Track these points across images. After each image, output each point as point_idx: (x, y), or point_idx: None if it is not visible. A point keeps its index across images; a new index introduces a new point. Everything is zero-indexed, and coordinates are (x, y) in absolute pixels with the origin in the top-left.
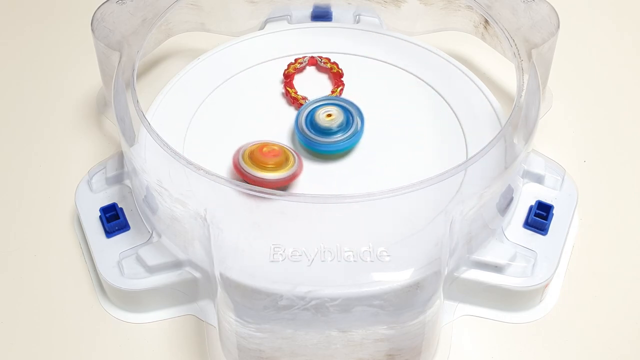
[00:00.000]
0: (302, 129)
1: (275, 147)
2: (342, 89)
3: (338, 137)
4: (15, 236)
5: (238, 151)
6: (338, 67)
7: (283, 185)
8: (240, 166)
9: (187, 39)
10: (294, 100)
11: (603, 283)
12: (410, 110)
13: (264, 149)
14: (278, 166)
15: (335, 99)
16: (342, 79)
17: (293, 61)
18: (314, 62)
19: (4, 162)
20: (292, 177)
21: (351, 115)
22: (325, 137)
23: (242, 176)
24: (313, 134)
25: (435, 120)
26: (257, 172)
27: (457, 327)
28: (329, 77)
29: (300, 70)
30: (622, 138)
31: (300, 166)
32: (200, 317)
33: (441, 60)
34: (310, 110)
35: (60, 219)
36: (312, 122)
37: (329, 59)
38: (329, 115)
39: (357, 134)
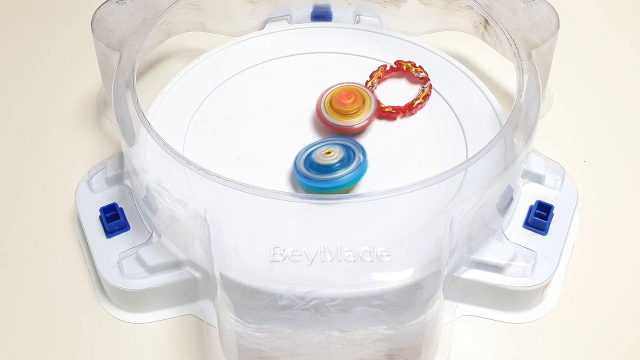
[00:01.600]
0: (302, 171)
1: (353, 90)
2: (428, 95)
3: (339, 173)
4: (15, 236)
5: (320, 99)
6: (423, 70)
7: (364, 127)
8: (322, 115)
9: (187, 39)
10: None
11: (603, 283)
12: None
13: (342, 96)
14: (358, 110)
15: (333, 139)
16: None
17: (376, 69)
18: (395, 69)
19: (4, 162)
20: (370, 119)
21: (352, 151)
22: (325, 174)
23: (325, 125)
24: (313, 173)
25: (435, 120)
26: (338, 121)
27: (457, 327)
28: (409, 82)
29: (382, 79)
30: (622, 138)
31: (378, 106)
32: (200, 317)
33: (441, 60)
34: (308, 153)
35: (60, 219)
36: (311, 163)
37: (413, 63)
38: (328, 152)
39: (361, 167)
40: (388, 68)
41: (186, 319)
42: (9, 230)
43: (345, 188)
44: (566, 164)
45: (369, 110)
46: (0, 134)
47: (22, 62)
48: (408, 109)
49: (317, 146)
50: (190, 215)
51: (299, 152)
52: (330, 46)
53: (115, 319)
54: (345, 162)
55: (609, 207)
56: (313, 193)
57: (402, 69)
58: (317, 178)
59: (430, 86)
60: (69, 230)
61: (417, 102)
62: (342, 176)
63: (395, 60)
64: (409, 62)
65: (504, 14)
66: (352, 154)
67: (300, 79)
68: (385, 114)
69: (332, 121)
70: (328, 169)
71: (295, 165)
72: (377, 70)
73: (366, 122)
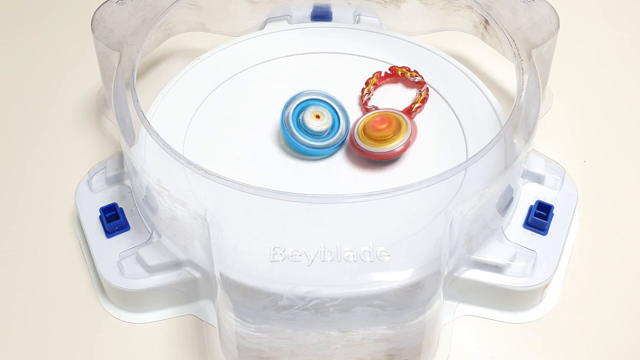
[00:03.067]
0: (292, 132)
1: (387, 116)
2: (425, 99)
3: (327, 141)
4: (15, 236)
5: (353, 127)
6: (418, 74)
7: (402, 153)
8: (357, 143)
9: (187, 39)
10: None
11: (603, 283)
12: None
13: (376, 122)
14: (394, 134)
15: (320, 95)
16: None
17: (371, 75)
18: (390, 75)
19: (4, 162)
20: (408, 144)
21: (336, 114)
22: (314, 140)
23: (359, 152)
24: (303, 136)
25: (435, 120)
26: (373, 148)
27: (457, 327)
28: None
29: (378, 85)
30: (622, 138)
31: (415, 131)
32: (200, 317)
33: (441, 60)
34: (299, 110)
35: (60, 219)
36: (300, 125)
37: (408, 68)
38: (318, 116)
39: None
40: (383, 74)
41: (186, 319)
42: (9, 230)
43: (329, 154)
44: (566, 164)
45: (405, 134)
46: (0, 134)
47: (22, 62)
48: (407, 114)
49: (304, 102)
50: (190, 215)
51: (285, 106)
52: (330, 46)
53: (115, 319)
54: (332, 130)
55: (609, 207)
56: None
57: (397, 75)
58: (307, 143)
59: (427, 90)
60: (69, 230)
61: (416, 106)
62: (328, 146)
63: (392, 62)
64: (403, 67)
65: (504, 14)
66: (337, 119)
67: (300, 79)
68: None
69: (366, 148)
70: (319, 135)
71: (283, 120)
72: (372, 77)
73: (403, 147)
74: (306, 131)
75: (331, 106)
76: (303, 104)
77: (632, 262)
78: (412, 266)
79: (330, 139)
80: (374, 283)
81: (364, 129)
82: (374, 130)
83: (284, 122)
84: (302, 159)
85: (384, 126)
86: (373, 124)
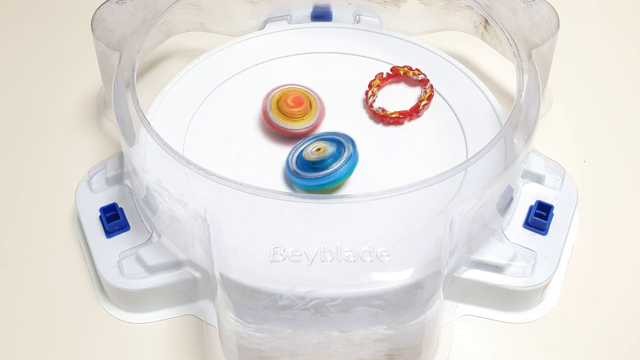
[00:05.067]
0: (295, 171)
1: (299, 95)
2: (431, 95)
3: (333, 167)
4: (15, 236)
5: (267, 97)
6: (421, 72)
7: (309, 133)
8: (269, 116)
9: (187, 39)
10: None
11: (603, 283)
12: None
13: (289, 100)
14: (303, 115)
15: (321, 135)
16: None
17: (373, 77)
18: (392, 75)
19: (4, 162)
20: (316, 125)
21: (341, 144)
22: (319, 171)
23: (270, 125)
24: (307, 172)
25: (435, 120)
26: (284, 123)
27: (457, 327)
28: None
29: (381, 86)
30: (622, 138)
31: (323, 112)
32: (200, 317)
33: (441, 60)
34: (299, 151)
35: (60, 219)
36: (303, 162)
37: (409, 67)
38: (318, 149)
39: (352, 157)
40: (385, 75)
41: (186, 319)
42: (9, 230)
43: (340, 181)
44: (566, 164)
45: (315, 115)
46: (0, 134)
47: (22, 62)
48: (415, 112)
49: (306, 144)
50: (190, 215)
51: (289, 154)
52: (330, 46)
53: (115, 319)
54: (336, 155)
55: (609, 207)
56: (312, 192)
57: (399, 74)
58: (311, 176)
59: (432, 86)
60: (69, 230)
61: (423, 103)
62: (335, 170)
63: (392, 62)
64: (405, 66)
65: (504, 14)
66: (342, 147)
67: (300, 79)
68: (393, 119)
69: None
70: (321, 164)
71: (287, 166)
72: (374, 79)
73: (311, 127)
74: (310, 166)
75: (331, 139)
76: (303, 145)
77: (632, 262)
78: (412, 266)
79: (337, 162)
80: (374, 283)
81: (277, 102)
82: (286, 106)
83: (289, 169)
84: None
85: (295, 104)
86: (286, 101)
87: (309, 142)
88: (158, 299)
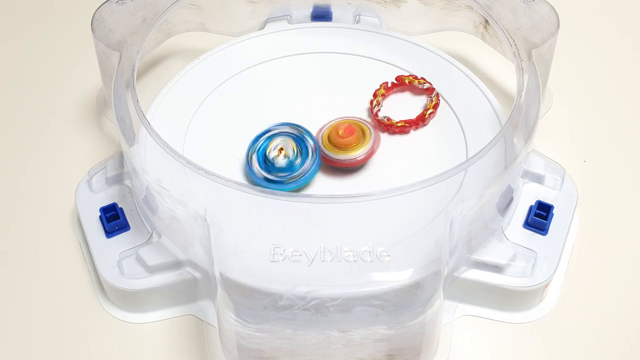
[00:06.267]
0: (259, 173)
1: (351, 124)
2: (437, 104)
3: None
4: (15, 236)
5: (317, 135)
6: (426, 80)
7: (365, 161)
8: (322, 151)
9: (187, 39)
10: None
11: (603, 283)
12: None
13: (340, 131)
14: (357, 143)
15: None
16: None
17: (378, 87)
18: (397, 84)
19: (4, 162)
20: (371, 152)
21: (301, 140)
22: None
23: (324, 160)
24: (274, 175)
25: (435, 120)
26: (337, 155)
27: (457, 327)
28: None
29: (386, 95)
30: (622, 138)
31: (378, 139)
32: (200, 317)
33: (441, 60)
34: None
35: (60, 219)
36: (267, 163)
37: (415, 76)
38: (281, 150)
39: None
40: (390, 85)
41: (186, 319)
42: (9, 230)
43: (313, 178)
44: (566, 164)
45: (369, 143)
46: (1, 134)
47: (22, 62)
48: (421, 121)
49: (263, 142)
50: (190, 215)
51: (247, 151)
52: (330, 46)
53: (115, 319)
54: (303, 154)
55: (609, 207)
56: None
57: (404, 83)
58: (286, 181)
59: (438, 95)
60: (69, 230)
61: (429, 112)
62: (307, 170)
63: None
64: (410, 75)
65: (504, 14)
66: (302, 141)
67: (300, 79)
68: (399, 128)
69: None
70: (290, 168)
71: (250, 168)
72: (379, 89)
73: (366, 155)
74: (275, 169)
75: (289, 133)
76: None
77: (632, 262)
78: (412, 266)
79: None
80: (374, 283)
81: (328, 136)
82: (337, 137)
83: (251, 170)
84: None
85: (347, 134)
86: (336, 131)
87: (266, 140)
88: (158, 299)
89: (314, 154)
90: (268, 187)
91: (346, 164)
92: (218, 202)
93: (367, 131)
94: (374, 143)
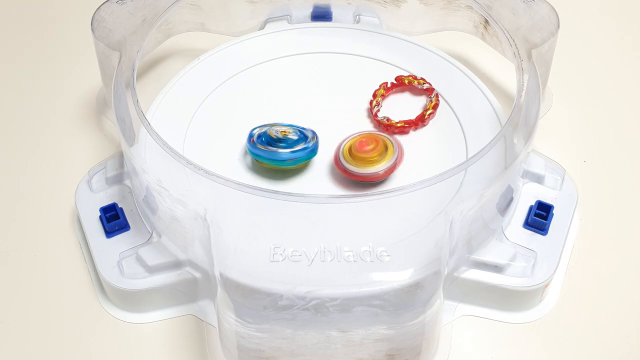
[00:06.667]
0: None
1: (373, 137)
2: (437, 104)
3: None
4: (15, 236)
5: (338, 147)
6: (425, 81)
7: (387, 176)
8: (342, 164)
9: (187, 39)
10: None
11: (603, 283)
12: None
13: (361, 144)
14: (379, 156)
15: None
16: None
17: (378, 87)
18: (397, 84)
19: (4, 162)
20: (394, 166)
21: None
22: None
23: (344, 173)
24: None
25: (435, 120)
26: (359, 169)
27: (457, 327)
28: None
29: (385, 96)
30: (622, 138)
31: (401, 153)
32: (200, 317)
33: (441, 60)
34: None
35: (60, 219)
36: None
37: (414, 76)
38: (284, 132)
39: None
40: (389, 85)
41: (186, 319)
42: (9, 230)
43: (297, 164)
44: (566, 164)
45: (392, 156)
46: (1, 134)
47: (22, 62)
48: (420, 121)
49: (270, 127)
50: (190, 215)
51: (252, 130)
52: (330, 46)
53: (115, 319)
54: (300, 141)
55: (609, 207)
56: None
57: (404, 84)
58: (269, 149)
59: (437, 95)
60: (69, 230)
61: (428, 112)
62: (297, 150)
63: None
64: (409, 75)
65: (504, 14)
66: (306, 137)
67: (300, 79)
68: (398, 129)
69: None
70: (284, 141)
71: (248, 140)
72: (379, 89)
73: (388, 169)
74: (273, 142)
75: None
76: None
77: (632, 262)
78: (412, 266)
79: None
80: (374, 283)
81: (349, 149)
82: (360, 151)
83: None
84: None
85: (370, 147)
86: (360, 145)
87: (270, 127)
88: (158, 299)
89: (314, 138)
90: (262, 156)
91: (366, 178)
92: (218, 202)
93: (390, 145)
94: (397, 157)
